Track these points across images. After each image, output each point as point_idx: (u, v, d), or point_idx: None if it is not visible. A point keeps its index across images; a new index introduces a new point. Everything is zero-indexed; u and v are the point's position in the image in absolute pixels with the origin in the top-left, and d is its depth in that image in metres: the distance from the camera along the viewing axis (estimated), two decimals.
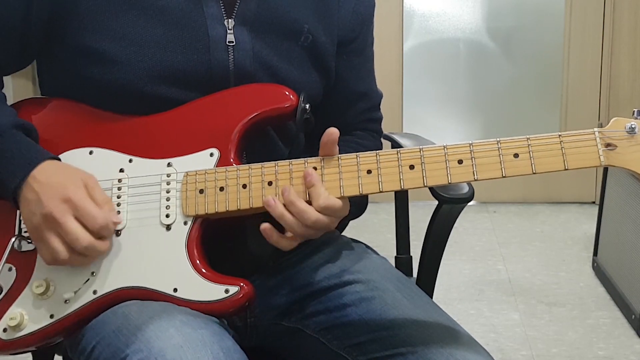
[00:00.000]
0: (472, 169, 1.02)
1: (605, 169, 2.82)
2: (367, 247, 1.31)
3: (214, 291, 1.05)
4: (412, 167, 1.03)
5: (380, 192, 1.04)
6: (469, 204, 1.30)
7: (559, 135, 1.01)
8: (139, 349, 0.96)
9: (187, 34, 1.12)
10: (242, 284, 1.05)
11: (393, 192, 1.48)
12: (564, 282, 2.90)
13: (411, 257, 1.48)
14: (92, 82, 1.13)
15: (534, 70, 3.84)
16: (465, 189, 1.29)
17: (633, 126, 1.00)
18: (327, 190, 1.05)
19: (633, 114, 1.01)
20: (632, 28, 3.72)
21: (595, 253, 2.94)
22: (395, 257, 1.47)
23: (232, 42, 1.14)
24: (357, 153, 1.05)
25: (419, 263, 1.37)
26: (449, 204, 1.30)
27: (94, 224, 1.04)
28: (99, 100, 1.14)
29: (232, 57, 1.14)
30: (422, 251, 1.37)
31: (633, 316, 2.48)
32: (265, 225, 1.05)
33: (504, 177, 1.02)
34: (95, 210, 1.05)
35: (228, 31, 1.14)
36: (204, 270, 1.06)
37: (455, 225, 1.35)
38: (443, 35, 3.84)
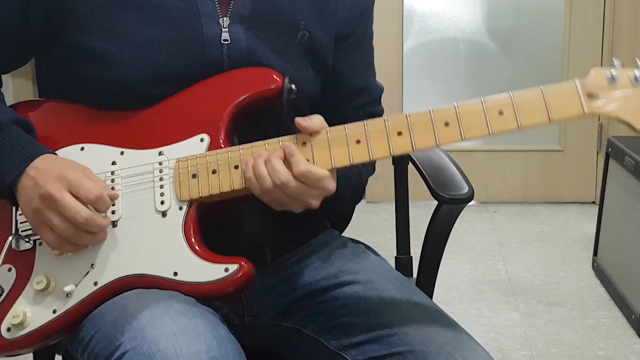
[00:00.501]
0: (459, 129, 1.03)
1: (605, 169, 2.81)
2: (367, 247, 1.31)
3: (213, 271, 1.05)
4: (400, 133, 1.05)
5: (371, 160, 1.06)
6: (469, 204, 1.30)
7: (541, 89, 1.03)
8: (133, 337, 0.97)
9: (182, 33, 1.12)
10: (242, 263, 1.05)
11: (393, 192, 1.49)
12: (564, 282, 2.89)
13: (411, 257, 1.48)
14: (89, 81, 1.13)
15: (534, 70, 3.84)
16: (465, 189, 1.29)
17: (614, 75, 1.01)
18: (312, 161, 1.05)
19: (613, 63, 1.03)
20: (632, 28, 3.72)
21: (595, 253, 2.94)
22: (395, 257, 1.47)
23: (227, 40, 1.14)
24: (345, 125, 1.07)
25: (419, 263, 1.37)
26: (449, 204, 1.30)
27: (89, 195, 1.05)
28: (96, 99, 1.15)
29: (227, 55, 1.14)
30: (422, 251, 1.37)
31: (633, 316, 2.47)
32: None
33: (491, 134, 1.03)
34: (90, 184, 1.06)
35: (223, 29, 1.14)
36: (202, 252, 1.07)
37: (455, 225, 1.35)
38: (443, 35, 3.84)
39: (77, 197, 1.05)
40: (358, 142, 1.05)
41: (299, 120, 1.07)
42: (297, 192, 1.05)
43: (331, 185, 1.06)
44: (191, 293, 1.05)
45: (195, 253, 1.06)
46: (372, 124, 1.06)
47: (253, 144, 1.08)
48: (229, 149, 1.09)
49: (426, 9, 3.83)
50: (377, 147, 1.05)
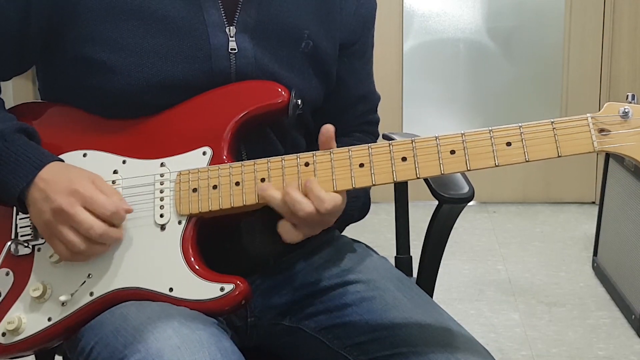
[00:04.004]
0: (464, 158, 1.01)
1: (605, 169, 2.82)
2: (367, 247, 1.31)
3: (209, 290, 1.05)
4: (404, 159, 1.03)
5: (373, 185, 1.04)
6: (469, 204, 1.30)
7: (552, 122, 0.99)
8: (137, 349, 0.96)
9: (188, 43, 1.12)
10: (237, 282, 1.05)
11: (393, 192, 1.49)
12: (564, 282, 2.90)
13: (411, 257, 1.47)
14: (92, 91, 1.13)
15: (534, 70, 3.84)
16: (465, 189, 1.29)
17: (626, 110, 0.98)
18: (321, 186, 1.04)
19: (627, 98, 1.00)
20: (632, 28, 3.72)
21: (595, 253, 2.94)
22: (395, 257, 1.47)
23: (235, 49, 1.13)
24: (349, 147, 1.05)
25: (419, 263, 1.37)
26: (449, 204, 1.30)
27: (104, 212, 1.04)
28: (99, 108, 1.14)
29: (234, 64, 1.13)
30: (422, 251, 1.37)
31: (633, 316, 2.48)
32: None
33: (497, 166, 1.01)
34: (104, 198, 1.05)
35: (230, 39, 1.13)
36: (199, 269, 1.06)
37: (455, 225, 1.35)
38: (443, 35, 3.84)
39: (90, 211, 1.04)
40: (361, 165, 1.04)
41: (327, 132, 1.05)
42: (320, 220, 1.04)
43: (344, 205, 1.07)
44: (188, 310, 1.04)
45: (192, 270, 1.06)
46: (376, 147, 1.04)
47: (255, 161, 1.07)
48: (231, 164, 1.08)
49: (426, 9, 3.83)
50: (381, 172, 1.03)
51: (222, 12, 1.14)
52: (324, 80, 1.23)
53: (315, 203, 1.02)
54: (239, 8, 1.14)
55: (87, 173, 1.09)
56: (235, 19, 1.14)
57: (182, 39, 1.12)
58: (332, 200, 1.03)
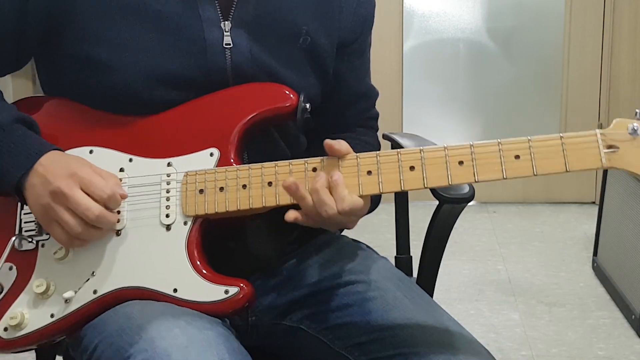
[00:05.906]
0: (472, 170, 1.00)
1: (605, 169, 2.81)
2: (368, 247, 1.31)
3: (213, 292, 1.05)
4: (412, 168, 1.02)
5: (380, 193, 1.04)
6: (469, 204, 1.30)
7: (560, 137, 0.99)
8: (143, 348, 0.96)
9: (183, 38, 1.12)
10: (242, 285, 1.05)
11: (393, 192, 1.49)
12: (564, 282, 2.90)
13: (411, 257, 1.48)
14: (91, 88, 1.13)
15: (534, 70, 3.84)
16: (466, 189, 1.29)
17: (635, 127, 0.98)
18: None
19: (635, 114, 1.00)
20: (632, 28, 3.72)
21: (595, 253, 2.94)
22: (395, 257, 1.47)
23: (230, 44, 1.13)
24: (358, 154, 1.05)
25: (419, 263, 1.37)
26: (449, 204, 1.30)
27: (101, 194, 1.04)
28: (99, 103, 1.14)
29: (230, 59, 1.13)
30: (422, 251, 1.37)
31: (633, 316, 2.48)
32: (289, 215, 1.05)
33: (505, 178, 1.01)
34: (101, 182, 1.05)
35: (225, 34, 1.13)
36: (204, 271, 1.06)
37: (455, 225, 1.35)
38: (443, 35, 3.84)
39: (88, 194, 1.05)
40: (369, 173, 1.03)
41: (331, 143, 1.05)
42: (340, 220, 1.05)
43: (366, 209, 1.07)
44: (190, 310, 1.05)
45: (197, 271, 1.06)
46: (384, 155, 1.03)
47: (263, 164, 1.07)
48: (238, 167, 1.07)
49: (426, 9, 3.83)
50: (388, 181, 1.03)
51: (218, 7, 1.14)
52: (321, 77, 1.23)
53: (337, 202, 1.03)
54: (235, 3, 1.15)
55: (85, 160, 1.09)
56: (231, 14, 1.14)
57: (178, 35, 1.12)
58: (351, 202, 1.03)
